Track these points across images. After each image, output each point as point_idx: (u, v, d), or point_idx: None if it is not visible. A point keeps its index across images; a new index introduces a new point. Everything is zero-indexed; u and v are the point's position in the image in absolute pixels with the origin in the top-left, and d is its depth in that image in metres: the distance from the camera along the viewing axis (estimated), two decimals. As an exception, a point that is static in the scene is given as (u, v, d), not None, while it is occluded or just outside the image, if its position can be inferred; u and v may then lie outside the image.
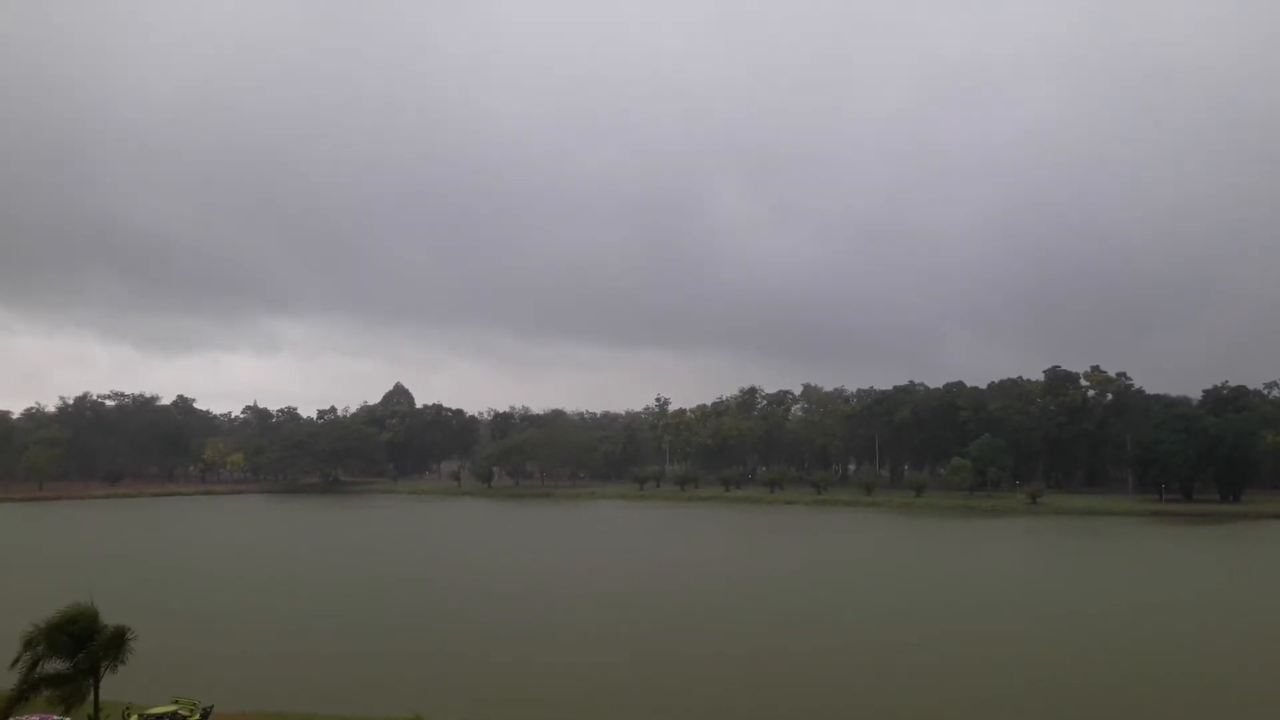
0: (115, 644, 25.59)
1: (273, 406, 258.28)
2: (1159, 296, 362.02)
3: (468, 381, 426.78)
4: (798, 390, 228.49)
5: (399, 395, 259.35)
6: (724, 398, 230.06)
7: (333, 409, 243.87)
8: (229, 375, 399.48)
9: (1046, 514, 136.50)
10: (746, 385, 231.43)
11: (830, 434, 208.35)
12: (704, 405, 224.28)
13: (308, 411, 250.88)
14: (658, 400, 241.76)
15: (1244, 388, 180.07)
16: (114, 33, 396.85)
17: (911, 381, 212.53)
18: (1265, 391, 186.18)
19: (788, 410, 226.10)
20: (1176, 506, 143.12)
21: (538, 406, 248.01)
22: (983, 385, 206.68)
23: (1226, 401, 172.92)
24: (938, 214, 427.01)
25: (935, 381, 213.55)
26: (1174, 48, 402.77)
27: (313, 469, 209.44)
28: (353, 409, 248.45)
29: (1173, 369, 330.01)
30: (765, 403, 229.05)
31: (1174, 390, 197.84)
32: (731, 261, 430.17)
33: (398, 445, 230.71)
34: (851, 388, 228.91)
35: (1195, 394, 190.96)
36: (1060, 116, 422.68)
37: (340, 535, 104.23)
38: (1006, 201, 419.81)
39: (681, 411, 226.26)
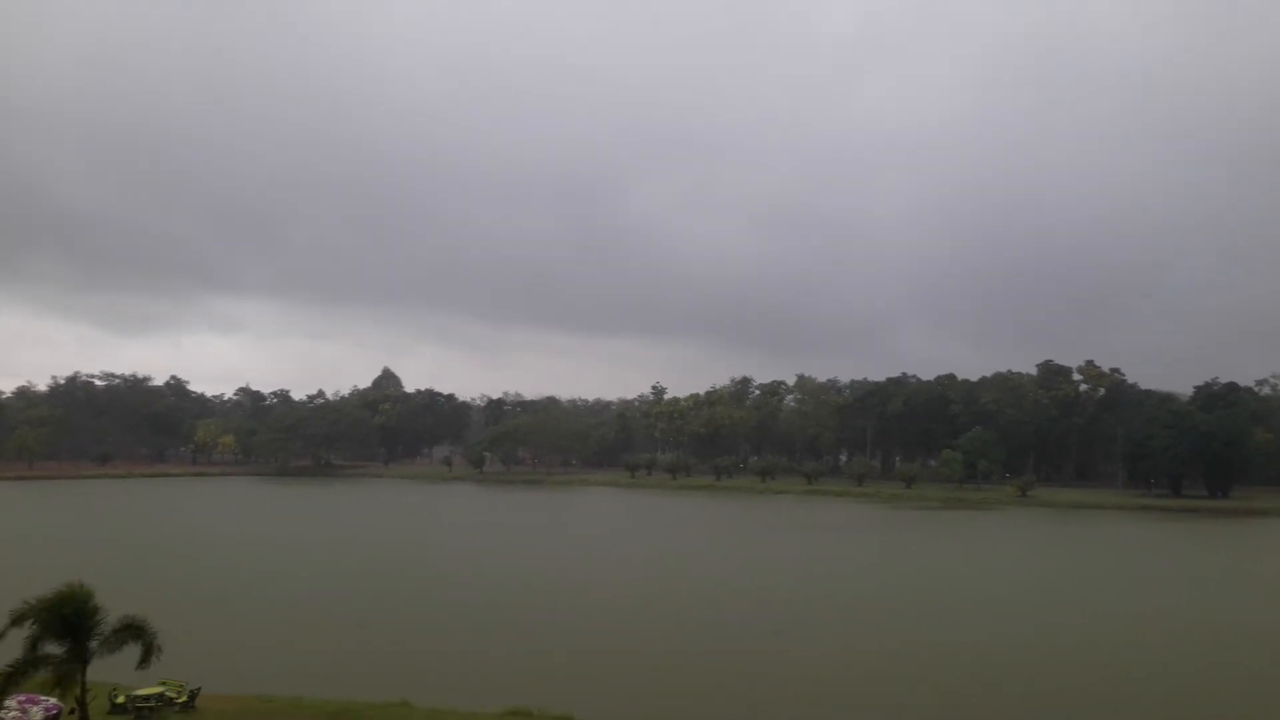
0: (133, 636, 25.40)
1: (251, 387, 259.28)
2: (1111, 287, 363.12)
3: (440, 366, 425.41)
4: (791, 380, 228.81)
5: (388, 380, 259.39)
6: (717, 386, 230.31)
7: (321, 393, 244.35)
8: (195, 356, 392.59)
9: (1035, 507, 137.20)
10: (710, 373, 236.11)
11: (822, 424, 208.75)
12: (697, 394, 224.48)
13: (299, 394, 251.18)
14: (653, 388, 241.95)
15: (1235, 384, 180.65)
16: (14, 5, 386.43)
17: (904, 373, 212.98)
18: (1256, 388, 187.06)
19: (780, 400, 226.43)
20: (1165, 502, 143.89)
21: (511, 392, 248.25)
22: (929, 376, 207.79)
23: (1217, 398, 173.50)
24: (875, 200, 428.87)
25: (890, 371, 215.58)
26: (1085, 31, 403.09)
27: (304, 452, 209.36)
28: (331, 392, 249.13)
29: (1127, 359, 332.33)
30: (758, 392, 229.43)
31: (1157, 384, 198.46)
32: (671, 248, 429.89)
33: (390, 430, 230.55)
34: (822, 377, 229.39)
35: (1177, 387, 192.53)
36: (985, 100, 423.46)
37: (331, 520, 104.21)
38: (943, 188, 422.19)
39: (675, 400, 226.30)
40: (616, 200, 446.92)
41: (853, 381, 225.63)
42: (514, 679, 33.12)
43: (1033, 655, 39.93)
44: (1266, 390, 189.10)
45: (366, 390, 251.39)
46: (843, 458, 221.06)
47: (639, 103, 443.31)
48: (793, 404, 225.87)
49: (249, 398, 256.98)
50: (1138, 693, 34.42)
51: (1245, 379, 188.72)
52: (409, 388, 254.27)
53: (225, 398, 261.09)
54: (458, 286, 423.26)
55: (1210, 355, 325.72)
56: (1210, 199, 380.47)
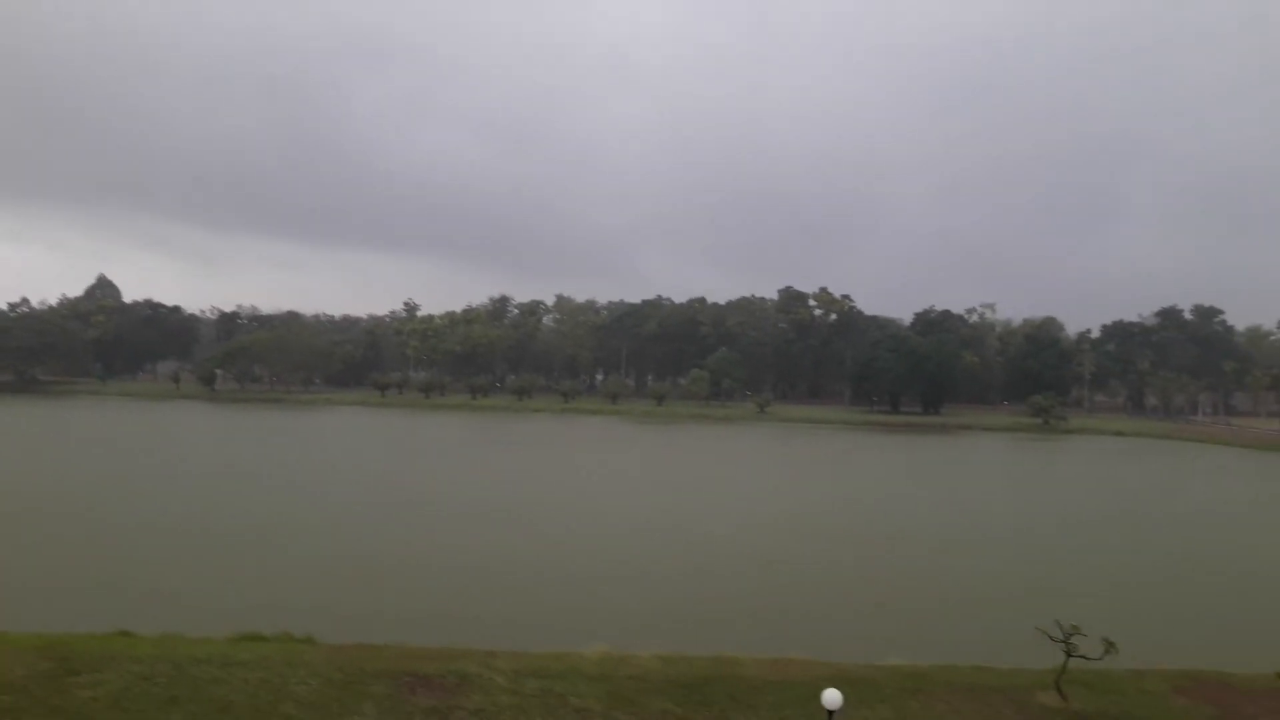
0: None
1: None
2: (838, 217, 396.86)
3: (161, 276, 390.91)
4: (550, 300, 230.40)
5: (104, 289, 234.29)
6: (474, 305, 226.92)
7: (25, 300, 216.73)
8: None
9: (772, 422, 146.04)
10: (466, 292, 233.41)
11: (580, 344, 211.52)
12: (454, 312, 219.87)
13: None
14: (405, 305, 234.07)
15: (949, 311, 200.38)
16: None
17: (659, 296, 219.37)
18: (967, 316, 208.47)
19: (539, 320, 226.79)
20: (884, 417, 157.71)
21: (247, 305, 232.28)
22: (682, 299, 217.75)
23: (933, 324, 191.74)
24: (608, 120, 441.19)
25: (647, 294, 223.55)
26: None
27: (4, 367, 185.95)
28: (37, 301, 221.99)
29: (857, 286, 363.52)
30: (517, 312, 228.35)
31: (882, 310, 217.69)
32: (402, 159, 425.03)
33: (106, 343, 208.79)
34: (581, 298, 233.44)
35: (899, 313, 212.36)
36: (702, 27, 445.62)
37: (38, 437, 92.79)
38: (673, 112, 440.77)
39: (429, 317, 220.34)
40: (332, 103, 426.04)
41: (610, 303, 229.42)
42: (246, 605, 30.42)
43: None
44: (975, 318, 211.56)
45: (78, 299, 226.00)
46: (599, 377, 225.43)
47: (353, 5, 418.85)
48: (551, 324, 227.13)
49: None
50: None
51: (958, 307, 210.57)
52: (127, 298, 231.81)
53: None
54: (165, 188, 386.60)
55: (929, 284, 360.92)
56: (916, 135, 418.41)
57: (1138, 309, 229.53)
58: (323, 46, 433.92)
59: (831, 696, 15.24)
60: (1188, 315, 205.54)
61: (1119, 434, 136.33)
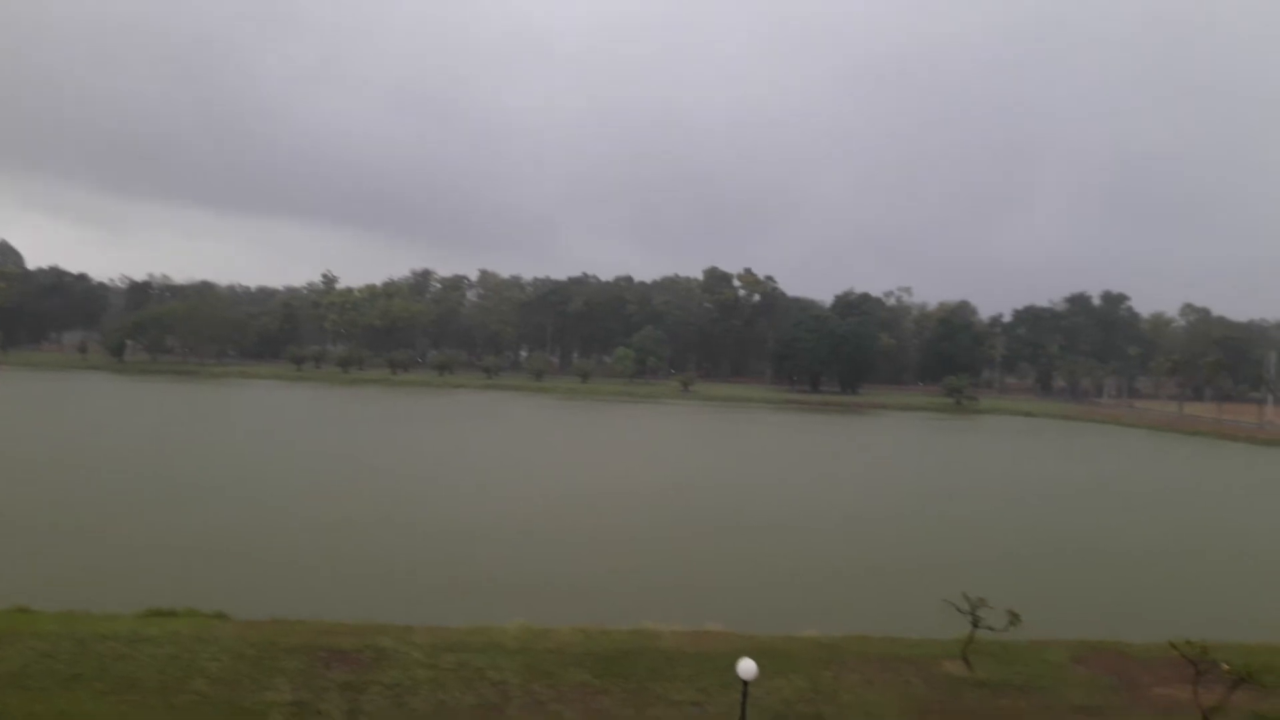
0: None
1: None
2: (762, 200, 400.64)
3: (63, 242, 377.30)
4: (474, 275, 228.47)
5: (6, 254, 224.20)
6: (395, 279, 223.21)
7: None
8: None
9: (695, 400, 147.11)
10: (387, 265, 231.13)
11: (505, 320, 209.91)
12: (374, 285, 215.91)
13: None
14: (324, 277, 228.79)
15: (868, 294, 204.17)
16: None
17: (585, 274, 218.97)
18: (885, 299, 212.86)
19: (462, 295, 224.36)
20: (803, 396, 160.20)
21: (158, 274, 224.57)
22: (609, 277, 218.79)
23: (852, 306, 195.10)
24: (522, 95, 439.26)
25: (573, 271, 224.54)
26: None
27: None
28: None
29: (780, 268, 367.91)
30: (439, 286, 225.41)
31: (804, 292, 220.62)
32: (311, 128, 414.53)
33: (8, 311, 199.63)
34: (506, 274, 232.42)
35: (820, 295, 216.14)
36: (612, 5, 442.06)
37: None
38: (593, 90, 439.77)
39: (348, 290, 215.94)
40: (238, 69, 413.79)
41: (536, 279, 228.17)
42: (154, 580, 29.55)
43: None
44: (893, 301, 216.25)
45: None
46: (523, 353, 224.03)
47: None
48: (475, 299, 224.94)
49: None
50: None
51: (877, 290, 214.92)
52: (31, 265, 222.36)
53: None
54: (67, 153, 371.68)
55: (849, 268, 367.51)
56: (834, 121, 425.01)
57: (1048, 295, 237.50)
58: (226, 10, 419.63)
59: (746, 667, 15.48)
60: (1096, 301, 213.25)
61: (1028, 414, 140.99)
